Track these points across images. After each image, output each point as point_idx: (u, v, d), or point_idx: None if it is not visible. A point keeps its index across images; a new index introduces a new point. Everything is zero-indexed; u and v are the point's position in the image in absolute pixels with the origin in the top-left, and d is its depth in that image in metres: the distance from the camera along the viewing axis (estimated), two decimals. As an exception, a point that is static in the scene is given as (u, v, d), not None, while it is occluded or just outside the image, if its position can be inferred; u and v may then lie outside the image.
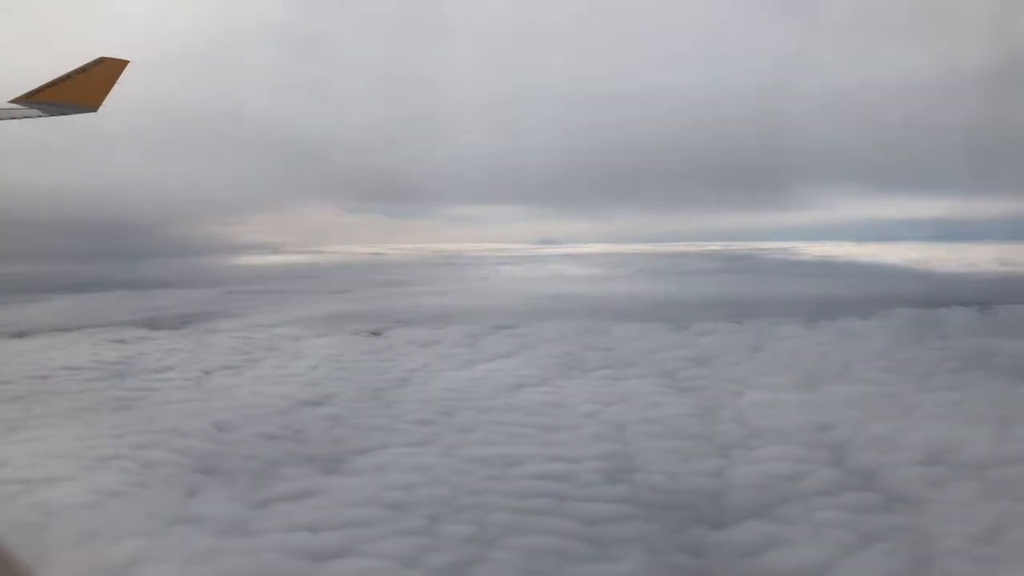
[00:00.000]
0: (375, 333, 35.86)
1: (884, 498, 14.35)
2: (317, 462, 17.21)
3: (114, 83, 14.00)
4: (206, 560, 12.09)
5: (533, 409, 21.68)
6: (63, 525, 13.45)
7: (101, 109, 14.32)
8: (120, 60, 14.10)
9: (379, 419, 20.94)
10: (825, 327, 34.36)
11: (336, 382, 25.51)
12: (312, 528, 13.37)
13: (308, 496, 15.05)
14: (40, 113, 12.90)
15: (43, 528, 13.32)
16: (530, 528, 13.37)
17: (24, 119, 12.81)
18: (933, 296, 46.02)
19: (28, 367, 28.38)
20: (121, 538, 12.78)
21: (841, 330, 33.56)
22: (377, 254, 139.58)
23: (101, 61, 13.89)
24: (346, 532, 13.22)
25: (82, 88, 13.54)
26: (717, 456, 17.44)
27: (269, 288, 65.01)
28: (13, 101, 12.86)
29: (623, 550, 12.39)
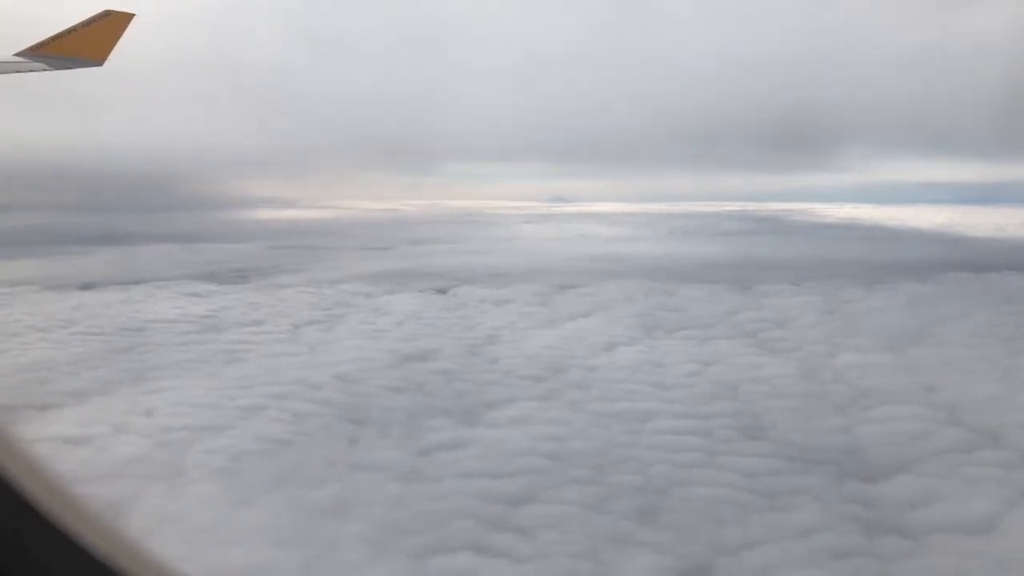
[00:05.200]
0: (441, 291, 36.45)
1: (1021, 456, 15.05)
2: (453, 414, 17.88)
3: (120, 36, 14.06)
4: (404, 504, 12.83)
5: (636, 368, 22.34)
6: (252, 471, 14.21)
7: (107, 63, 14.24)
8: (126, 13, 14.15)
9: (490, 374, 21.60)
10: (886, 290, 34.96)
11: (429, 338, 26.18)
12: (490, 475, 14.10)
13: (464, 446, 15.76)
14: (45, 67, 12.99)
15: (234, 474, 14.08)
16: (693, 480, 14.09)
17: (29, 72, 12.86)
18: (978, 260, 46.51)
19: (119, 320, 29.05)
20: (315, 484, 13.52)
21: (904, 294, 34.13)
22: (393, 210, 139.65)
23: (107, 14, 13.96)
24: (521, 479, 13.94)
25: (87, 41, 13.61)
26: (837, 415, 18.13)
27: (307, 244, 65.63)
28: (18, 54, 12.97)
29: (793, 501, 13.11)
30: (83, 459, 14.53)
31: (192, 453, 14.91)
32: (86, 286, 37.26)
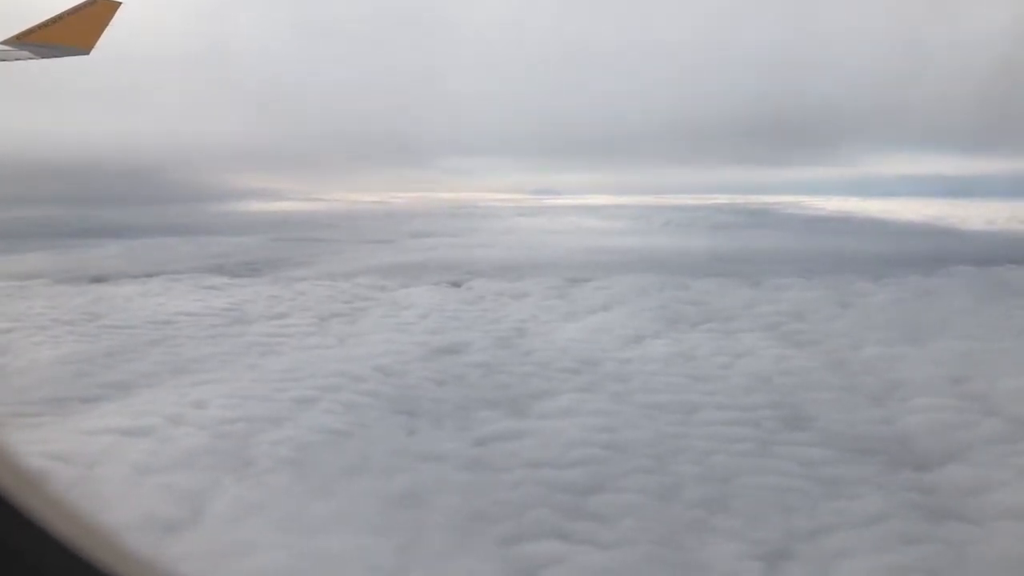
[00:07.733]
0: (455, 284, 36.66)
1: (1064, 445, 15.54)
2: (500, 406, 18.14)
3: (107, 25, 14.01)
4: (477, 493, 13.11)
5: (668, 360, 22.71)
6: (321, 461, 14.42)
7: (93, 51, 14.11)
8: (113, 1, 14.09)
9: (526, 367, 21.85)
10: (895, 284, 35.47)
11: (457, 331, 26.41)
12: (552, 465, 14.39)
13: (520, 437, 16.04)
14: (31, 55, 12.94)
15: (304, 464, 14.30)
16: (753, 469, 14.45)
17: (15, 61, 12.81)
18: (977, 254, 47.23)
19: (142, 313, 29.08)
20: (386, 473, 13.77)
21: (913, 287, 34.69)
22: (383, 203, 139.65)
23: (94, 2, 13.91)
24: (585, 469, 14.24)
25: (74, 30, 13.56)
26: (875, 406, 18.56)
27: (308, 236, 65.76)
28: (3, 43, 12.92)
29: (855, 489, 13.51)
30: (149, 450, 14.69)
31: (256, 444, 15.10)
32: (98, 279, 37.25)
